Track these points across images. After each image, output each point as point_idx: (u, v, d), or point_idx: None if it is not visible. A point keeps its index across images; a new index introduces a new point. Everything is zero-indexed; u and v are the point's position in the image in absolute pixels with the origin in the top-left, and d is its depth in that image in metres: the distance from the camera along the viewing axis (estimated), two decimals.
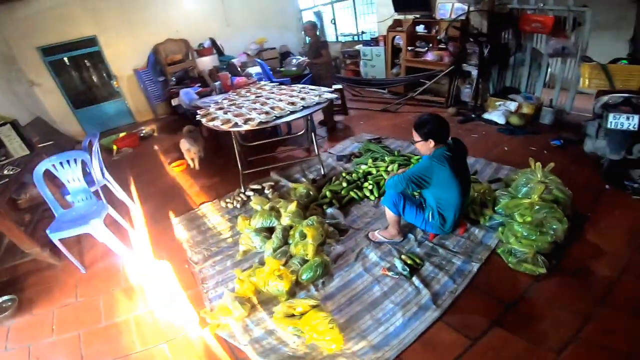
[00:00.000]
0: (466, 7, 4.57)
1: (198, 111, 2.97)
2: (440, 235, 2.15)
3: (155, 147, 4.86)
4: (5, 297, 2.24)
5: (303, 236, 2.15)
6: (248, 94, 3.29)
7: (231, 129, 2.42)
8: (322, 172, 3.12)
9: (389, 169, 2.88)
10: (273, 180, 3.13)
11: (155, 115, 6.52)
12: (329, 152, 3.56)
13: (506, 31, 4.09)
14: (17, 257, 2.54)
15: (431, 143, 1.82)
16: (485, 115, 4.38)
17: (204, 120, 2.68)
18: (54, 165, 2.46)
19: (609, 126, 2.70)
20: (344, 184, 2.78)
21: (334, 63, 6.70)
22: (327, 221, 2.36)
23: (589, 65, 2.94)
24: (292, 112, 2.53)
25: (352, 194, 2.72)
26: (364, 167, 3.02)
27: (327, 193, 2.70)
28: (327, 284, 1.93)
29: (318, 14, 7.27)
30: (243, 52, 6.78)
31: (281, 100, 2.75)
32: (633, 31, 4.49)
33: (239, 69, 5.87)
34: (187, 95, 4.63)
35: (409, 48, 5.04)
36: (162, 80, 6.30)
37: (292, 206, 2.33)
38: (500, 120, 4.23)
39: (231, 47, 6.93)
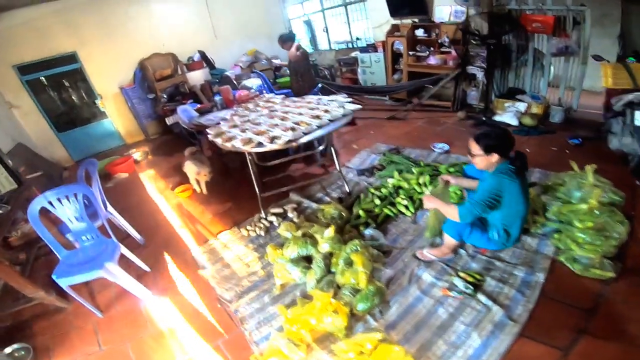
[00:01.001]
0: (464, 9, 4.59)
1: (208, 130, 2.74)
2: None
3: (153, 171, 4.55)
4: (17, 346, 1.95)
5: (349, 263, 1.98)
6: (259, 109, 3.08)
7: (255, 150, 2.21)
8: (347, 190, 2.94)
9: (421, 181, 2.75)
10: (294, 202, 2.93)
11: (147, 135, 6.19)
12: (347, 167, 3.39)
13: (508, 32, 4.08)
14: (20, 302, 2.25)
15: (494, 157, 1.71)
16: (497, 118, 4.35)
17: (218, 141, 2.45)
18: (50, 202, 2.18)
19: (637, 123, 2.69)
20: (376, 201, 2.62)
21: (327, 72, 6.62)
22: (369, 243, 2.19)
23: (612, 65, 2.94)
24: (319, 127, 2.35)
25: (386, 211, 2.56)
26: (391, 180, 2.88)
27: (361, 212, 2.53)
28: (385, 313, 1.78)
29: (308, 23, 7.18)
30: (236, 64, 6.59)
31: (302, 114, 2.57)
32: (620, 28, 4.60)
33: (234, 82, 5.67)
34: (185, 113, 4.37)
35: (410, 53, 4.99)
36: (152, 98, 6.00)
37: (330, 231, 2.14)
38: (513, 122, 4.20)
39: (221, 60, 6.72)
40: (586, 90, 4.39)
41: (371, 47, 5.55)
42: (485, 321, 1.64)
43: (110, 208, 2.67)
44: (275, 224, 2.67)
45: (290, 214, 2.75)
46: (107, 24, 5.59)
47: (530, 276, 1.84)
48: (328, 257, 2.11)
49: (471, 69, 4.59)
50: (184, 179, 3.83)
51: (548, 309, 1.68)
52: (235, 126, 2.62)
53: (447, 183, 2.17)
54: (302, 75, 3.91)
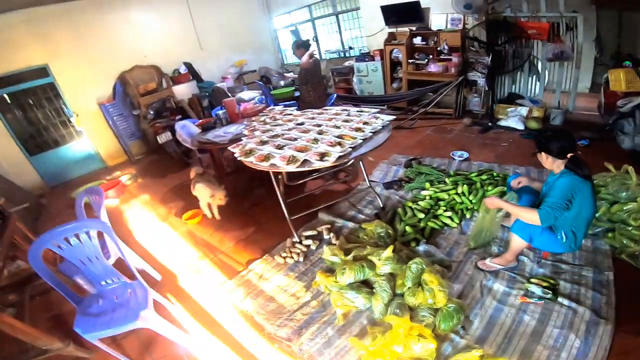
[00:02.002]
0: (461, 17, 4.66)
1: (232, 149, 2.46)
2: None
3: (147, 196, 4.12)
4: None
5: (417, 284, 1.86)
6: (280, 122, 2.85)
7: (299, 169, 1.98)
8: (381, 205, 2.78)
9: (459, 191, 2.65)
10: (325, 222, 2.72)
11: (130, 156, 5.68)
12: (372, 180, 3.23)
13: (513, 39, 4.16)
14: (30, 354, 1.88)
15: (561, 160, 1.72)
16: (502, 123, 4.40)
17: (249, 160, 2.18)
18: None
19: None
20: (420, 215, 2.48)
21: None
22: (430, 260, 2.04)
23: (624, 70, 3.04)
24: (364, 140, 2.16)
25: (431, 224, 2.44)
26: (426, 192, 2.76)
27: (407, 229, 2.38)
28: (469, 328, 1.71)
29: (295, 33, 7.04)
30: (227, 76, 6.29)
31: (339, 127, 2.37)
32: (596, 32, 4.88)
33: (228, 94, 5.37)
34: (185, 130, 4.03)
35: (409, 61, 4.98)
36: (136, 114, 5.54)
37: (389, 252, 1.97)
38: (519, 126, 4.27)
39: (207, 72, 6.41)
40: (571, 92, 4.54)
41: (368, 56, 5.49)
42: (577, 322, 1.64)
43: (119, 242, 2.31)
44: (313, 247, 2.45)
45: (326, 236, 2.54)
46: (81, 35, 5.11)
47: (599, 275, 1.88)
48: (390, 278, 1.95)
49: (472, 76, 4.64)
50: (188, 204, 3.48)
51: (631, 304, 1.70)
52: (263, 142, 2.36)
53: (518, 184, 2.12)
54: (313, 85, 3.72)
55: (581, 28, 4.15)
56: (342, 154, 1.97)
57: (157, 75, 5.89)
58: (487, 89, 4.62)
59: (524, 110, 4.43)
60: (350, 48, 6.17)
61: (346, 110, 2.82)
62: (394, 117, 2.48)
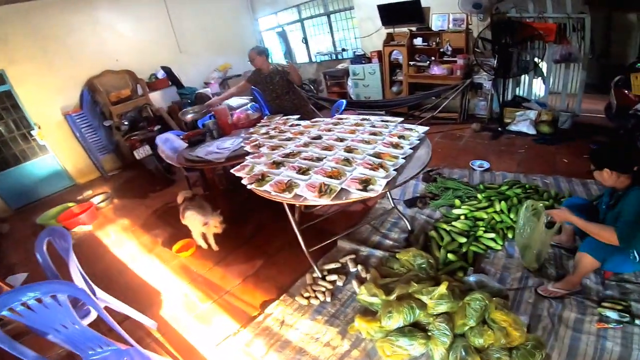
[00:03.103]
0: (464, 17, 4.49)
1: (237, 173, 2.06)
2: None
3: (127, 221, 3.60)
4: None
5: (482, 322, 1.59)
6: (291, 136, 2.43)
7: (336, 202, 1.59)
8: (409, 228, 2.47)
9: (497, 208, 2.40)
10: (347, 251, 2.37)
11: (103, 172, 5.09)
12: (391, 198, 2.91)
13: (523, 40, 4.01)
14: None
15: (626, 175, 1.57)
16: (512, 127, 4.24)
17: (264, 190, 1.74)
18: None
19: None
20: (461, 239, 2.19)
21: (310, 86, 6.16)
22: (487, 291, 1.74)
23: None
24: (405, 160, 1.82)
25: (473, 248, 2.15)
26: (459, 211, 2.48)
27: (450, 256, 2.08)
28: None
29: (282, 34, 6.70)
30: (211, 81, 5.83)
31: (367, 142, 2.03)
32: (590, 32, 4.87)
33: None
34: (168, 144, 3.55)
35: (410, 63, 4.76)
36: (108, 126, 4.97)
37: (442, 289, 1.65)
38: (531, 131, 4.12)
39: (188, 77, 5.93)
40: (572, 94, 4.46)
41: (364, 58, 5.23)
42: None
43: (99, 292, 1.87)
44: (339, 284, 2.09)
45: (352, 269, 2.18)
46: (42, 37, 4.52)
47: None
48: (447, 319, 1.63)
49: (478, 78, 4.47)
50: (177, 231, 3.03)
51: None
52: (277, 164, 1.97)
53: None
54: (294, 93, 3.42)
55: (589, 29, 4.07)
56: (388, 179, 1.61)
57: (131, 81, 5.35)
58: (493, 92, 4.46)
59: (532, 114, 4.28)
60: (343, 50, 5.89)
61: (367, 119, 2.48)
62: (427, 127, 2.17)
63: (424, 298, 1.70)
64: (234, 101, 4.93)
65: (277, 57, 6.97)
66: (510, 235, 2.24)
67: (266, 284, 2.24)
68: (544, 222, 1.81)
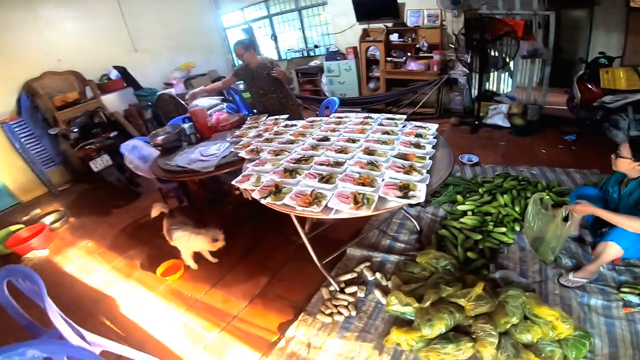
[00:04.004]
0: (438, 13, 4.60)
1: (240, 185, 1.84)
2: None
3: (90, 243, 3.16)
4: None
5: (524, 318, 1.60)
6: (293, 138, 2.23)
7: (378, 213, 1.44)
8: (417, 228, 2.42)
9: (502, 202, 2.44)
10: (358, 258, 2.26)
11: (51, 188, 4.45)
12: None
13: (502, 36, 4.18)
14: None
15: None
16: (488, 121, 4.42)
17: (282, 205, 1.54)
18: None
19: None
20: (476, 236, 2.18)
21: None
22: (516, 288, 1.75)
23: (623, 69, 3.16)
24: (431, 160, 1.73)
25: (488, 244, 2.17)
26: (464, 207, 2.49)
27: (470, 254, 2.06)
28: (594, 350, 1.55)
29: (248, 31, 6.41)
30: (173, 81, 5.38)
31: (386, 143, 1.91)
32: (557, 35, 5.27)
33: (184, 102, 4.54)
34: (136, 153, 3.18)
35: (388, 59, 4.77)
36: (53, 134, 4.36)
37: (479, 289, 1.62)
38: (505, 124, 4.33)
39: (145, 77, 5.41)
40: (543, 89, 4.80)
41: (339, 54, 5.15)
42: None
43: (90, 334, 1.56)
44: (360, 295, 1.97)
45: (370, 277, 2.08)
46: None
47: None
48: (489, 319, 1.60)
49: (453, 74, 4.60)
50: (155, 250, 2.72)
51: None
52: (290, 172, 1.76)
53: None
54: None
55: (553, 26, 4.36)
56: (426, 183, 1.50)
57: (78, 83, 4.75)
58: (468, 87, 4.63)
59: (504, 107, 4.51)
60: (316, 46, 5.76)
61: (370, 117, 2.38)
62: (437, 125, 2.14)
63: (460, 301, 1.65)
64: (205, 101, 4.60)
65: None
66: (517, 228, 2.29)
67: (277, 303, 2.05)
68: (561, 217, 1.85)
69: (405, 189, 1.45)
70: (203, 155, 2.56)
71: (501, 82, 5.06)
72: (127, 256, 2.84)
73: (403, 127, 2.14)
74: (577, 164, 3.18)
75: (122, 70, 5.05)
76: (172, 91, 5.02)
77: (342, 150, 1.88)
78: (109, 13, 5.05)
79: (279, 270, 2.32)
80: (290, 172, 1.78)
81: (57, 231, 3.48)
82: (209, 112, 3.59)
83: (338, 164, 1.76)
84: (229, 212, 3.21)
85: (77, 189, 4.55)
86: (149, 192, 3.90)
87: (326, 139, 2.11)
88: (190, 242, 2.28)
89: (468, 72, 4.44)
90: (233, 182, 1.89)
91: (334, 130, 2.24)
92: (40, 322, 1.66)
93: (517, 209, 2.37)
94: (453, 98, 4.76)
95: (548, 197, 2.08)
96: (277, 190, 1.66)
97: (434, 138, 1.94)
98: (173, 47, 5.79)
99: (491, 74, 4.85)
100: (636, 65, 3.20)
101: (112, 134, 4.52)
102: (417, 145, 1.83)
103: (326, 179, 1.63)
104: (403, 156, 1.74)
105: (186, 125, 3.11)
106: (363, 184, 1.55)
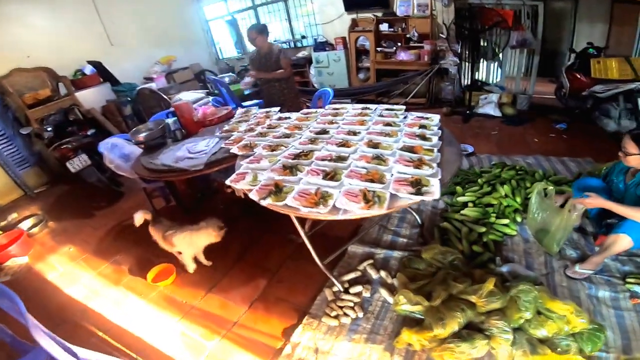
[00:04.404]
0: (428, 3, 4.54)
1: (234, 185, 1.72)
2: None
3: (72, 248, 2.99)
4: None
5: (537, 313, 1.57)
6: (288, 131, 2.14)
7: (391, 211, 1.47)
8: (419, 221, 2.38)
9: (502, 193, 2.42)
10: (360, 256, 2.20)
11: (27, 190, 4.19)
12: None
13: (494, 26, 4.16)
14: None
15: None
16: (480, 110, 4.42)
17: (284, 205, 1.44)
18: None
19: None
20: (480, 229, 2.15)
21: None
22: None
23: (616, 59, 3.18)
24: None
25: (492, 237, 2.13)
26: (464, 198, 2.46)
27: (475, 248, 2.03)
28: (607, 341, 1.53)
29: (232, 23, 6.19)
30: (153, 75, 5.15)
31: (389, 135, 1.80)
32: (542, 25, 5.33)
33: (167, 97, 4.36)
34: (117, 152, 3.01)
35: (378, 49, 4.70)
36: (25, 134, 4.10)
37: (489, 285, 1.58)
38: (496, 113, 4.34)
39: (123, 72, 5.16)
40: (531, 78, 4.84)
41: (328, 45, 5.04)
42: None
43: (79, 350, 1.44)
44: (366, 294, 1.91)
45: (374, 275, 2.02)
46: None
47: None
48: (501, 315, 1.57)
49: (444, 64, 4.57)
50: (145, 253, 2.59)
51: None
52: (290, 169, 1.64)
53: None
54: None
55: (542, 16, 4.37)
56: (438, 177, 1.41)
57: (50, 80, 4.48)
58: (458, 76, 4.61)
59: (494, 97, 4.52)
60: (303, 37, 5.62)
61: (368, 107, 2.30)
62: (439, 115, 2.08)
63: (471, 297, 1.61)
64: (187, 95, 4.43)
65: (229, 46, 6.45)
66: (519, 219, 2.27)
67: (279, 307, 1.96)
68: (568, 209, 1.82)
69: (417, 185, 1.38)
70: (191, 153, 2.43)
71: (490, 72, 5.08)
72: (113, 261, 2.69)
73: (404, 118, 2.07)
74: (570, 152, 3.21)
75: (97, 65, 4.79)
76: (153, 85, 4.81)
77: (344, 144, 1.80)
78: (81, 6, 4.78)
79: (277, 271, 2.23)
80: (290, 169, 1.67)
81: (36, 236, 3.28)
82: (194, 106, 3.44)
83: (341, 158, 1.67)
84: (220, 211, 3.08)
85: (56, 190, 4.31)
86: (133, 192, 3.72)
87: (324, 131, 2.01)
88: (194, 241, 2.17)
89: (459, 62, 4.41)
90: (227, 182, 1.76)
91: (331, 123, 2.15)
92: (27, 338, 1.53)
93: (518, 199, 2.35)
94: (444, 88, 4.74)
95: (552, 187, 2.06)
96: (277, 190, 1.55)
97: (438, 129, 1.88)
98: (152, 41, 5.54)
99: (481, 64, 4.86)
100: (628, 56, 3.24)
101: (89, 132, 4.31)
102: (423, 137, 1.77)
103: (331, 176, 1.53)
104: (410, 149, 1.66)
105: (170, 121, 2.98)
106: (372, 180, 1.45)
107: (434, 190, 1.35)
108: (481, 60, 4.36)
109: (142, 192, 3.28)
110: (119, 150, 3.04)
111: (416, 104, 4.78)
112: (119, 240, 2.98)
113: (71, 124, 4.30)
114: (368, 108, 2.30)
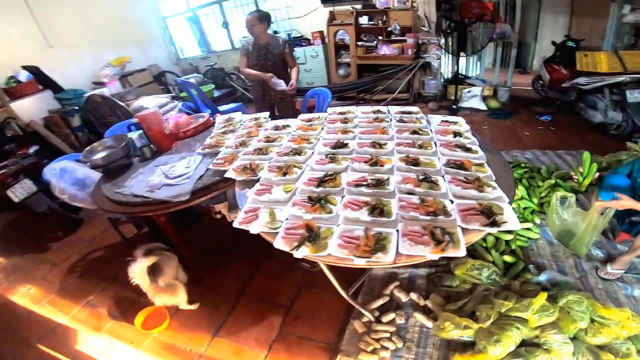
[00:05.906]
0: None
1: (261, 233, 1.29)
2: None
3: (32, 289, 2.54)
4: None
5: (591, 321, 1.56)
6: (294, 145, 1.84)
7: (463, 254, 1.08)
8: None
9: (519, 195, 2.39)
10: (382, 278, 2.04)
11: None
12: None
13: (477, 20, 4.18)
14: None
15: None
16: (465, 104, 4.47)
17: (357, 261, 1.11)
18: None
19: (630, 101, 3.10)
20: (506, 236, 2.09)
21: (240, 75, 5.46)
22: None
23: (605, 52, 3.29)
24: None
25: (519, 243, 2.09)
26: None
27: (507, 258, 1.97)
28: None
29: (194, 20, 5.75)
30: (104, 79, 4.61)
31: (424, 147, 1.61)
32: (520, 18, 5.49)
33: (124, 104, 3.90)
34: (69, 178, 2.47)
35: (358, 44, 4.57)
36: None
37: (540, 300, 1.52)
38: (482, 107, 4.41)
39: (66, 77, 4.61)
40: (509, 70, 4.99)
41: (304, 40, 4.82)
42: None
43: None
44: (400, 322, 1.76)
45: (404, 299, 1.88)
46: None
47: None
48: (557, 329, 1.51)
49: (427, 57, 4.55)
50: (125, 294, 2.24)
51: None
52: (319, 203, 1.33)
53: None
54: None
55: (519, 9, 4.48)
56: (507, 201, 1.24)
57: None
58: (442, 71, 4.62)
59: (477, 90, 4.60)
60: (275, 32, 5.34)
61: (379, 110, 2.12)
62: (463, 118, 1.97)
63: (522, 314, 1.55)
64: (150, 100, 4.02)
65: (191, 45, 6.00)
66: (538, 221, 2.26)
67: (304, 347, 1.76)
68: (600, 212, 1.80)
69: (489, 213, 1.18)
70: (169, 178, 1.96)
71: (470, 66, 5.16)
72: (87, 304, 2.30)
73: (428, 122, 1.93)
74: (562, 145, 3.30)
75: (34, 71, 4.20)
76: (105, 91, 4.31)
77: (376, 162, 1.55)
78: (8, 3, 4.12)
79: (292, 305, 2.01)
80: (320, 202, 1.34)
81: None
82: (161, 113, 3.02)
83: (380, 183, 1.40)
84: (208, 239, 2.76)
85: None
86: (94, 217, 3.27)
87: (342, 144, 1.79)
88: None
89: (442, 55, 4.41)
90: (236, 225, 1.34)
91: (345, 132, 1.94)
92: None
93: (534, 200, 2.33)
94: (427, 82, 4.72)
95: (572, 195, 2.04)
96: (312, 235, 1.21)
97: (473, 134, 1.76)
98: (100, 41, 4.98)
99: (461, 57, 4.91)
100: (617, 49, 3.38)
101: (31, 149, 3.79)
102: (463, 147, 1.60)
103: (379, 210, 1.24)
104: (458, 165, 1.47)
105: (135, 135, 2.44)
106: (434, 213, 1.19)
107: (511, 219, 1.15)
108: (474, 53, 4.38)
109: (105, 219, 2.85)
110: (70, 176, 2.47)
111: (400, 99, 4.73)
112: (88, 278, 2.58)
113: (8, 142, 3.74)
114: (380, 111, 2.13)
